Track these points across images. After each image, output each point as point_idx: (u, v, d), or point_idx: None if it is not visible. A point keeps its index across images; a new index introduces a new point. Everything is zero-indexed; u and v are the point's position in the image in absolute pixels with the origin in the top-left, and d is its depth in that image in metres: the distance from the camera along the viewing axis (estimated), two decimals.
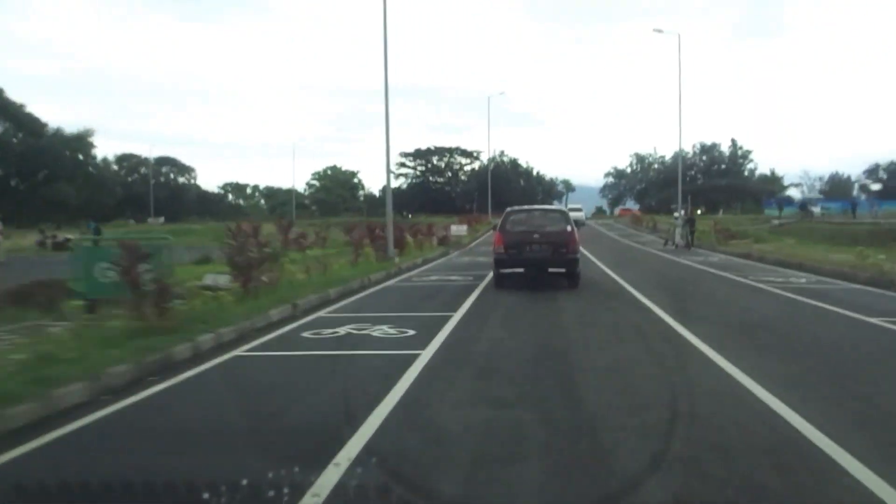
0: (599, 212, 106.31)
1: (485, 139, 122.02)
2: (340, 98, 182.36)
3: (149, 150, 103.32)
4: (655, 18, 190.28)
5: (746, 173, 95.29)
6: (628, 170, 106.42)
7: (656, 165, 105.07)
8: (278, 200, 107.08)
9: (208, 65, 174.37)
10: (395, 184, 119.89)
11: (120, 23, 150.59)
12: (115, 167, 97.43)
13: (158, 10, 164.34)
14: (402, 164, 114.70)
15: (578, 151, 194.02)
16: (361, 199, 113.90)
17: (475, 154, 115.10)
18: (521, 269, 14.49)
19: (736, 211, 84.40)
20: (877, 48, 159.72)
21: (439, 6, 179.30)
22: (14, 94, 68.73)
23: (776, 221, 47.91)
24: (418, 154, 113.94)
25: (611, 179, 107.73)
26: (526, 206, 17.77)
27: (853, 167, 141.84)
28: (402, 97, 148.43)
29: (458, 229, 33.64)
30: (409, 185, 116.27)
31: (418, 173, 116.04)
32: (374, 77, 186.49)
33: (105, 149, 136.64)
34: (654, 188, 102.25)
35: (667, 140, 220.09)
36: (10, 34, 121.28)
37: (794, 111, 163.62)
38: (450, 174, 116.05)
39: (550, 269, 14.31)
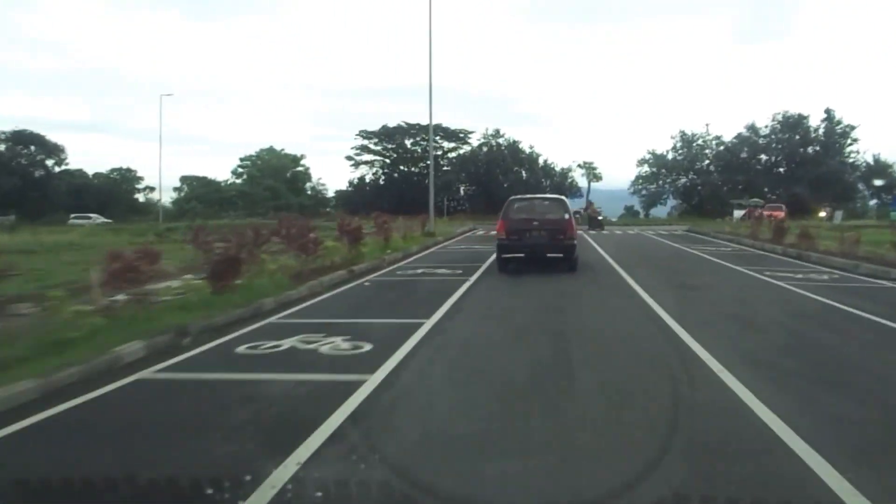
0: (630, 214, 76.08)
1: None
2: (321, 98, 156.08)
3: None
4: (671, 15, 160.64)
5: (850, 158, 64.62)
6: (670, 155, 75.78)
7: (708, 151, 74.59)
8: (194, 193, 77.75)
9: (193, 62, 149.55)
10: (356, 174, 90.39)
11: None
12: None
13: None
14: (365, 148, 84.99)
15: (595, 152, 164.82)
16: (308, 192, 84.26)
17: (462, 134, 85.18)
18: (521, 255, 14.88)
19: (844, 210, 54.21)
20: None
21: (437, 10, 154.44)
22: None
23: None
24: (385, 133, 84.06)
25: (645, 169, 77.04)
26: (528, 195, 19.68)
27: None
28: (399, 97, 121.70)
29: None
30: (374, 174, 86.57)
31: (388, 160, 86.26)
32: (356, 77, 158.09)
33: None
34: (709, 179, 71.94)
35: (719, 119, 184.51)
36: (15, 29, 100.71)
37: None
38: (428, 161, 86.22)
39: (549, 255, 14.72)
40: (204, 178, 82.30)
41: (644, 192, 77.30)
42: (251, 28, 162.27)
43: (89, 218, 59.19)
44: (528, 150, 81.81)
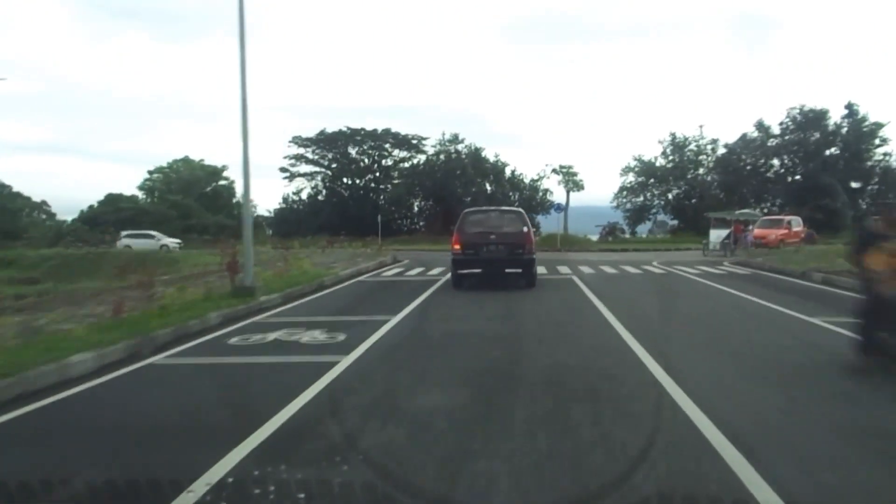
0: (612, 232, 62.98)
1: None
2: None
3: None
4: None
5: (884, 161, 52.45)
6: (658, 161, 63.16)
7: (703, 157, 62.06)
8: (85, 214, 62.81)
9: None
10: (290, 188, 76.56)
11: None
12: None
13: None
14: (300, 157, 71.07)
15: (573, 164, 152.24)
16: (235, 208, 69.74)
17: (416, 140, 71.78)
18: (478, 270, 14.21)
19: None
20: None
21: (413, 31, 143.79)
22: None
23: None
24: (324, 140, 70.32)
25: (630, 179, 64.24)
26: (483, 207, 18.44)
27: None
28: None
29: None
30: (313, 188, 72.58)
31: (328, 171, 72.40)
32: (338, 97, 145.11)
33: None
34: (706, 190, 59.43)
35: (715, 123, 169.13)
36: None
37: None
38: (378, 173, 72.58)
39: (507, 270, 14.12)
40: (112, 195, 67.49)
41: (629, 205, 64.41)
42: (225, 50, 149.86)
43: (151, 237, 44.33)
44: (492, 160, 68.38)
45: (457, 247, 13.97)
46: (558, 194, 63.75)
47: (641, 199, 64.50)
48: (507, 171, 68.48)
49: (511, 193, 68.63)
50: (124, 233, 46.17)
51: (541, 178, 56.63)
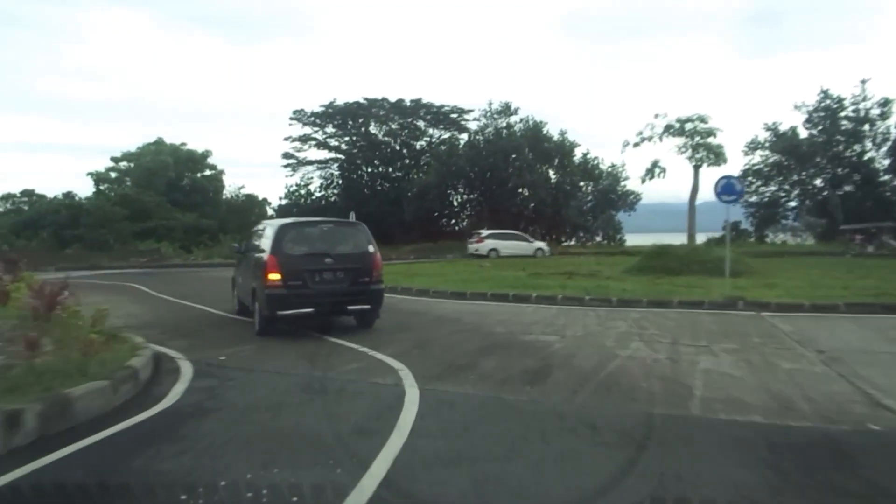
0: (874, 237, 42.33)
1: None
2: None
3: None
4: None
5: None
6: (806, 131, 42.54)
7: (868, 127, 41.03)
8: (41, 208, 47.37)
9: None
10: (292, 180, 59.71)
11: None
12: None
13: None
14: (307, 139, 53.98)
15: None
16: (223, 206, 53.20)
17: (456, 115, 53.55)
18: (309, 310, 8.99)
19: None
20: None
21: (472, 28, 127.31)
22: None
23: None
24: (336, 113, 53.00)
25: (757, 160, 43.82)
26: (308, 219, 12.18)
27: None
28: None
29: None
30: (324, 177, 55.37)
31: (342, 155, 55.00)
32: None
33: None
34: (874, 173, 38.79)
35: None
36: (62, 58, 79.88)
37: None
38: (407, 159, 54.61)
39: (351, 307, 9.44)
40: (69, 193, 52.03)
41: (755, 197, 43.91)
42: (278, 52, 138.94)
43: (524, 240, 35.10)
44: (560, 138, 49.13)
45: (273, 276, 8.96)
46: (676, 174, 43.26)
47: (775, 187, 43.96)
48: (578, 154, 49.38)
49: (583, 184, 49.55)
50: (486, 232, 34.18)
51: (643, 140, 33.65)
